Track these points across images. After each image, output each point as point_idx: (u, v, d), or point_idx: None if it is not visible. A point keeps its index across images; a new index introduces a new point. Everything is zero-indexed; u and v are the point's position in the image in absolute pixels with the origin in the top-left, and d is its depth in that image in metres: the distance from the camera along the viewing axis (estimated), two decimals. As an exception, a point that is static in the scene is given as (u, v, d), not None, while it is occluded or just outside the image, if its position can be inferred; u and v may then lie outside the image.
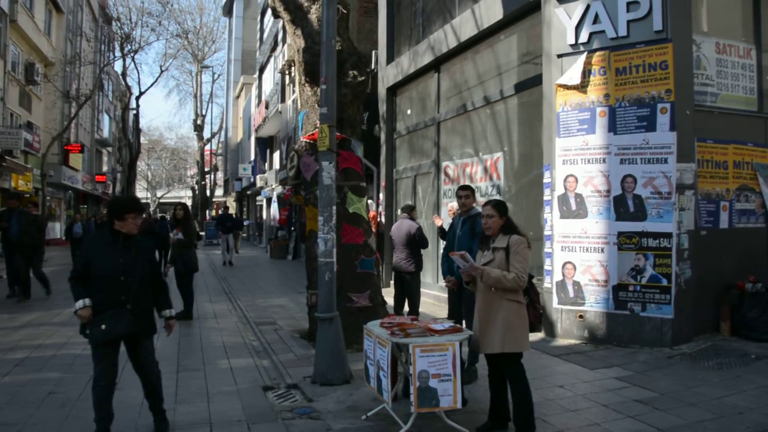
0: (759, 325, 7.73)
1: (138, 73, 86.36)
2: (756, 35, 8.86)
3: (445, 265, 6.57)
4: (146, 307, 4.75)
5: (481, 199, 10.36)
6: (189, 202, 53.05)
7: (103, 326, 4.46)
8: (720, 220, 8.29)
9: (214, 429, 5.00)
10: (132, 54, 33.84)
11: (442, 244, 7.56)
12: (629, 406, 5.48)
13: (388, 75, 14.37)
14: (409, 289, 8.39)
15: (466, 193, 6.59)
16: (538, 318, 4.85)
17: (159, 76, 50.92)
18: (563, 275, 8.15)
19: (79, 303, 4.49)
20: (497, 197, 9.87)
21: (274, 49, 29.72)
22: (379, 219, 13.67)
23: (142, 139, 48.99)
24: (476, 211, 6.47)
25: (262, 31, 35.31)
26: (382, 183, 14.46)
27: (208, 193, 50.84)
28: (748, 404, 5.44)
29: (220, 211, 29.75)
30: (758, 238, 8.65)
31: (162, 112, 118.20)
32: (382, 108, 14.68)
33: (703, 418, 5.11)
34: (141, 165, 59.84)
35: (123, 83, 39.60)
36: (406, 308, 8.46)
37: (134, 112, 41.33)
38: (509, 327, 4.61)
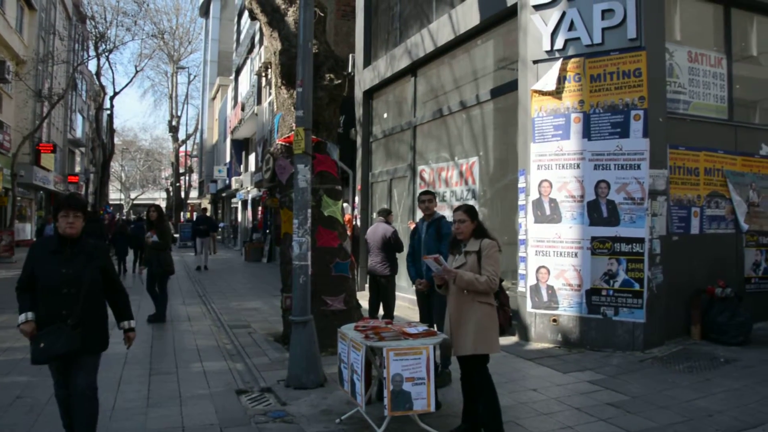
0: (728, 329, 7.85)
1: (112, 72, 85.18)
2: (726, 45, 9.02)
3: (412, 269, 6.61)
4: (95, 321, 4.22)
5: (457, 204, 10.42)
6: (163, 204, 52.47)
7: (42, 344, 4.02)
8: (691, 225, 8.40)
9: (186, 433, 4.96)
10: (106, 53, 33.41)
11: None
12: (602, 409, 5.53)
13: (365, 78, 14.38)
14: (384, 292, 8.38)
15: (428, 197, 6.69)
16: (508, 321, 4.90)
17: (134, 77, 50.17)
18: (537, 279, 8.21)
19: (21, 317, 4.12)
20: (472, 201, 9.93)
21: (250, 51, 29.61)
22: (354, 222, 13.66)
23: (116, 140, 48.35)
24: (439, 214, 6.58)
25: (238, 32, 35.14)
26: (358, 186, 14.45)
27: (182, 194, 50.31)
28: (718, 407, 5.52)
29: (195, 213, 29.34)
30: (728, 244, 8.80)
31: (137, 113, 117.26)
32: (359, 111, 14.68)
33: (673, 421, 5.18)
34: (114, 166, 59.08)
35: (97, 83, 39.04)
36: (381, 312, 8.45)
37: (108, 112, 40.77)
38: (481, 329, 4.65)
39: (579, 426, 5.12)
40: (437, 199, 7.00)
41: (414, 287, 7.05)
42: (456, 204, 10.41)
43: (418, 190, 11.78)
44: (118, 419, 5.27)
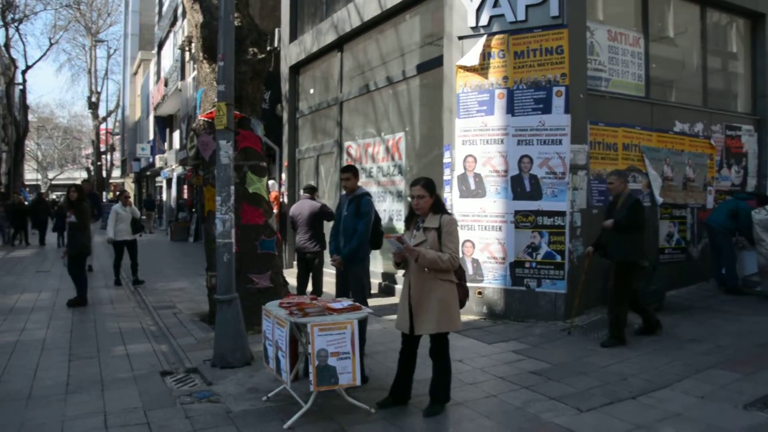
0: (643, 298, 8.10)
1: (23, 44, 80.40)
2: (644, 25, 9.33)
3: (333, 243, 6.56)
4: None
5: (383, 179, 10.45)
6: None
7: None
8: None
9: (108, 418, 4.81)
10: (16, 23, 31.66)
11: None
12: (524, 377, 5.70)
13: (291, 53, 14.16)
14: (313, 269, 8.36)
15: (346, 175, 6.47)
16: (467, 295, 4.94)
17: (48, 50, 47.45)
18: (463, 253, 8.32)
19: None
20: (399, 177, 9.98)
21: (173, 24, 28.71)
22: (282, 200, 13.51)
23: (31, 117, 46.12)
24: (361, 191, 6.50)
25: (160, 4, 33.99)
26: (285, 163, 14.28)
27: (104, 174, 48.52)
28: (631, 371, 5.78)
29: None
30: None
31: (52, 88, 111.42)
32: (285, 87, 14.47)
33: (591, 386, 5.39)
34: (30, 144, 56.40)
35: (6, 55, 37.02)
36: (310, 288, 8.43)
37: (20, 87, 38.79)
38: (444, 307, 4.68)
39: (502, 394, 5.26)
40: (363, 175, 6.94)
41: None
42: (383, 179, 10.45)
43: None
44: (34, 407, 5.07)
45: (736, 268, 9.34)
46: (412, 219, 5.00)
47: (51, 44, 40.40)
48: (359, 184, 6.59)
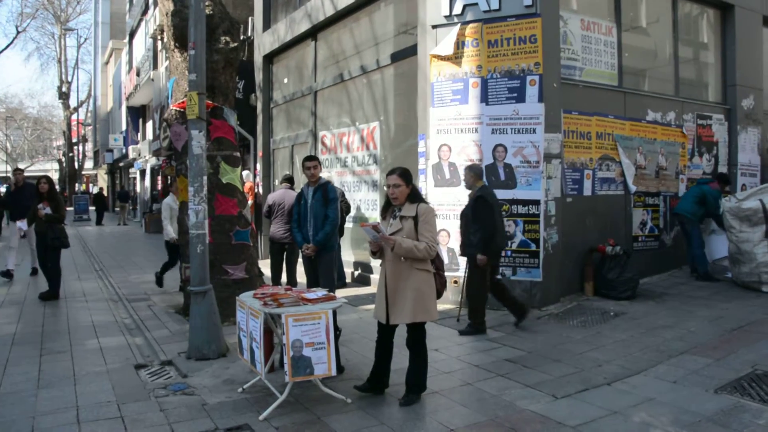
0: (617, 285, 8.28)
1: (-10, 33, 78.43)
2: (617, 14, 9.38)
3: (299, 234, 6.52)
4: None
5: (358, 169, 10.42)
6: (56, 176, 49.74)
7: None
8: (584, 187, 8.75)
9: (81, 412, 4.74)
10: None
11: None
12: (500, 365, 5.73)
13: (264, 42, 14.03)
14: (288, 259, 8.32)
15: (313, 163, 6.43)
16: (444, 285, 4.94)
17: (15, 38, 46.17)
18: (438, 242, 8.32)
19: None
20: (374, 167, 9.96)
21: (145, 12, 28.33)
22: (256, 190, 13.42)
23: (-1, 107, 45.27)
24: (324, 179, 6.53)
25: (131, -7, 33.44)
26: (259, 153, 14.18)
27: (76, 165, 47.81)
28: (606, 357, 5.84)
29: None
30: (617, 205, 9.24)
31: (21, 78, 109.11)
32: (259, 76, 14.34)
33: (566, 373, 5.43)
34: (-2, 135, 55.39)
35: (-27, 45, 36.23)
36: (285, 278, 8.40)
37: (-12, 77, 37.98)
38: (420, 297, 4.66)
39: (478, 382, 5.28)
40: (338, 165, 6.93)
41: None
42: (358, 169, 10.42)
43: (320, 156, 11.68)
44: (4, 404, 4.96)
45: (706, 253, 9.47)
46: (388, 208, 4.97)
47: (18, 32, 39.25)
48: (335, 173, 6.59)
